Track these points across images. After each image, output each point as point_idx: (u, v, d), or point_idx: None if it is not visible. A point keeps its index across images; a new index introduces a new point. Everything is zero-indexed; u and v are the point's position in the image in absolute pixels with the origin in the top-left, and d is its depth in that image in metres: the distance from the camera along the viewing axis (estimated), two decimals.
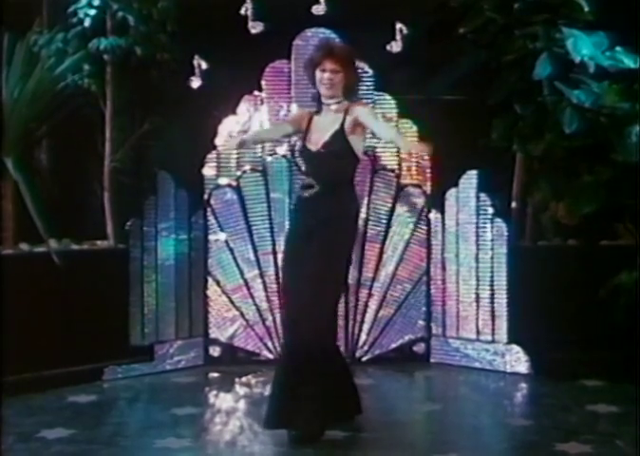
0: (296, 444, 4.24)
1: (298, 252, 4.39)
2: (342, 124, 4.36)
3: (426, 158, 5.89)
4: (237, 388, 5.39)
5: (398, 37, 5.75)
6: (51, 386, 5.11)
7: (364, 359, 5.85)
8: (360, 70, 4.82)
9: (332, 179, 4.38)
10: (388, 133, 4.53)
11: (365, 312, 5.89)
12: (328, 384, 4.30)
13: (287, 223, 5.45)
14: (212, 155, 5.84)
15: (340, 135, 4.35)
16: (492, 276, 5.72)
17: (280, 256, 4.86)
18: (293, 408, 4.27)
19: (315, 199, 4.36)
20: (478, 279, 5.77)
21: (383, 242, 5.89)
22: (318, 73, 4.40)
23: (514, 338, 5.65)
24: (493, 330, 5.72)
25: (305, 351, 4.25)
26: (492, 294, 5.71)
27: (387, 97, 5.74)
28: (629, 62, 5.14)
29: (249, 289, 5.88)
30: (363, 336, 5.89)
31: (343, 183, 4.43)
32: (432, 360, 5.92)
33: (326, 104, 4.44)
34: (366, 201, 5.80)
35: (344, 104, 4.40)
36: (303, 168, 4.67)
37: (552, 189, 5.58)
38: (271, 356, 5.87)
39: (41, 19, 5.82)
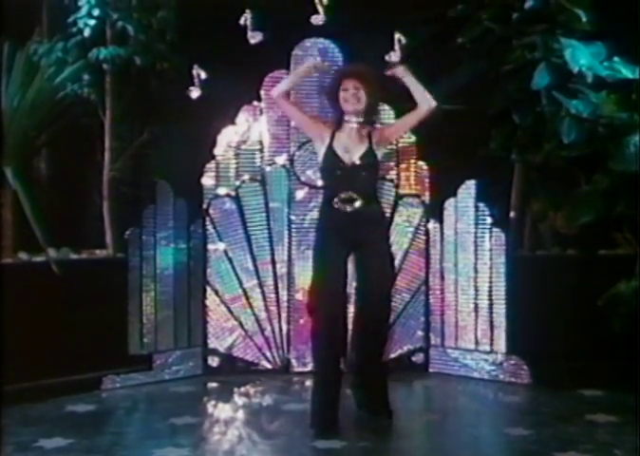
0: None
1: (342, 262, 4.66)
2: (370, 142, 4.70)
3: (425, 168, 5.91)
4: (236, 397, 5.37)
5: (397, 47, 5.75)
6: (50, 395, 5.10)
7: None
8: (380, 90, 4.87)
9: (369, 191, 4.73)
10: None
11: None
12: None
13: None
14: (211, 164, 5.84)
15: (370, 151, 4.70)
16: (490, 286, 5.71)
17: (313, 271, 4.81)
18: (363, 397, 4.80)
19: (359, 212, 4.64)
20: (476, 289, 5.76)
21: None
22: (342, 93, 4.71)
23: (512, 348, 5.63)
24: (491, 339, 5.71)
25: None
26: (490, 304, 5.71)
27: (386, 107, 5.75)
28: (627, 72, 5.16)
29: (248, 299, 5.87)
30: None
31: (376, 194, 4.87)
32: (431, 370, 5.91)
33: (347, 120, 4.73)
34: None
35: (366, 128, 4.73)
36: (333, 182, 4.74)
37: (550, 199, 5.60)
38: (269, 366, 5.87)
39: (41, 28, 5.85)
